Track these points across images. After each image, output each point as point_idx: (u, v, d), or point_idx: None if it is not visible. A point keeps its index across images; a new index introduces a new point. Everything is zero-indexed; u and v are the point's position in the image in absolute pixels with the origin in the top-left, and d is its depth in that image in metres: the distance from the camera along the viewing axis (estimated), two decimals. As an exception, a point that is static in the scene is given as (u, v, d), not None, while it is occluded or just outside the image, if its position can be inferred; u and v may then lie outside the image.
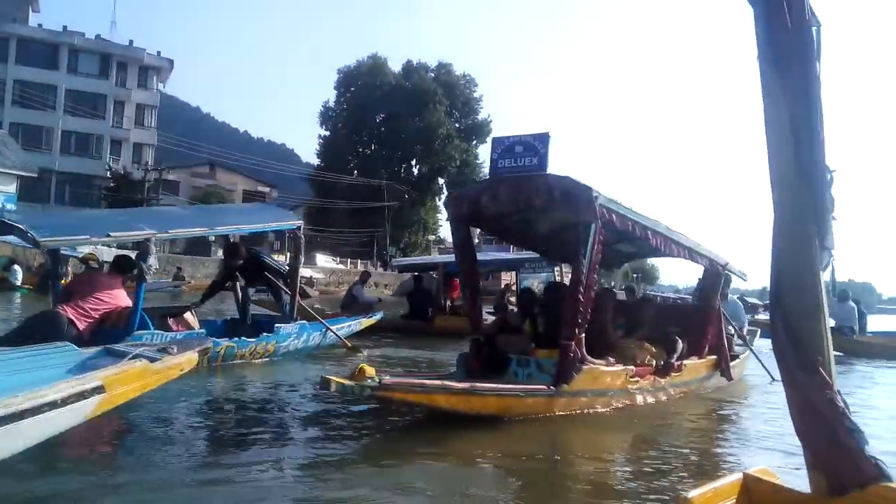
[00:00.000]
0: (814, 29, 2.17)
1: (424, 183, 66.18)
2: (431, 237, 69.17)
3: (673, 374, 7.43)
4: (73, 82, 54.32)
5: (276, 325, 8.68)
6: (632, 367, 6.84)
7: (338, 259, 57.87)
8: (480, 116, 68.02)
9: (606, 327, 7.67)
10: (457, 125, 66.60)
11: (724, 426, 6.95)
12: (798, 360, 2.12)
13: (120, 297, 7.11)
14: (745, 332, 10.29)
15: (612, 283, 22.66)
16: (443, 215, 73.54)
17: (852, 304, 14.92)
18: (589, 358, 6.37)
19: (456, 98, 66.45)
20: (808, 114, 2.13)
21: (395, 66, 66.76)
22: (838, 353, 13.55)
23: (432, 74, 66.48)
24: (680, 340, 7.84)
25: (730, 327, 10.05)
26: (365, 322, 10.79)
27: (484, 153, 68.72)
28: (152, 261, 6.95)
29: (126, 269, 7.30)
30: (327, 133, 66.32)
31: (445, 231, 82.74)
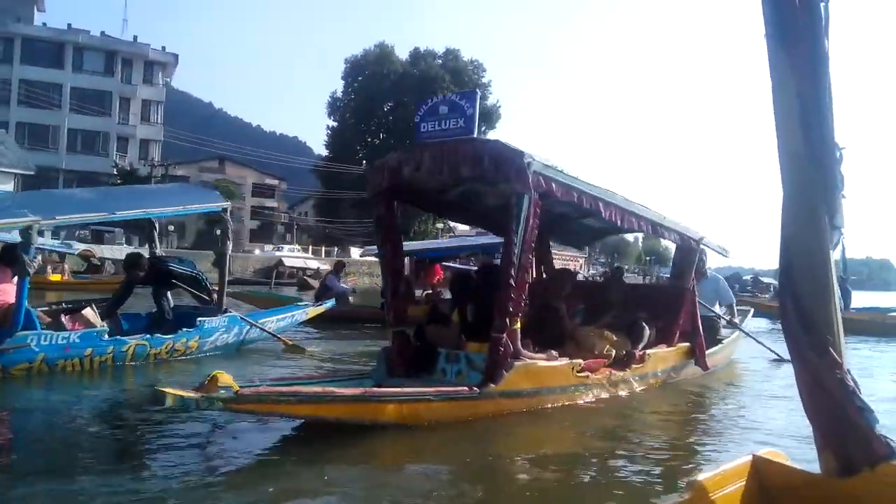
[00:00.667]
0: (822, 4, 2.11)
1: (434, 171, 65.30)
2: (440, 225, 68.36)
3: (634, 365, 6.53)
4: (78, 80, 54.10)
5: (200, 318, 7.86)
6: (579, 360, 5.94)
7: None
8: (489, 102, 66.83)
9: (560, 313, 6.80)
10: (466, 112, 65.59)
11: (682, 423, 6.05)
12: (808, 340, 2.10)
13: (8, 293, 6.37)
14: (733, 312, 9.27)
15: (626, 267, 21.56)
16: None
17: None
18: (525, 352, 5.53)
19: (464, 84, 65.12)
20: (817, 91, 2.10)
21: (403, 54, 65.88)
22: None
23: (440, 61, 65.44)
24: (647, 327, 6.94)
25: (719, 307, 9.12)
26: (312, 311, 9.89)
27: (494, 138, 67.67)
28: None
29: (13, 262, 6.51)
30: (335, 123, 65.56)
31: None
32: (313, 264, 45.11)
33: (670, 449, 5.12)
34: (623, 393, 6.48)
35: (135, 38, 58.50)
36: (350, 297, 15.18)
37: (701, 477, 2.19)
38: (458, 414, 5.10)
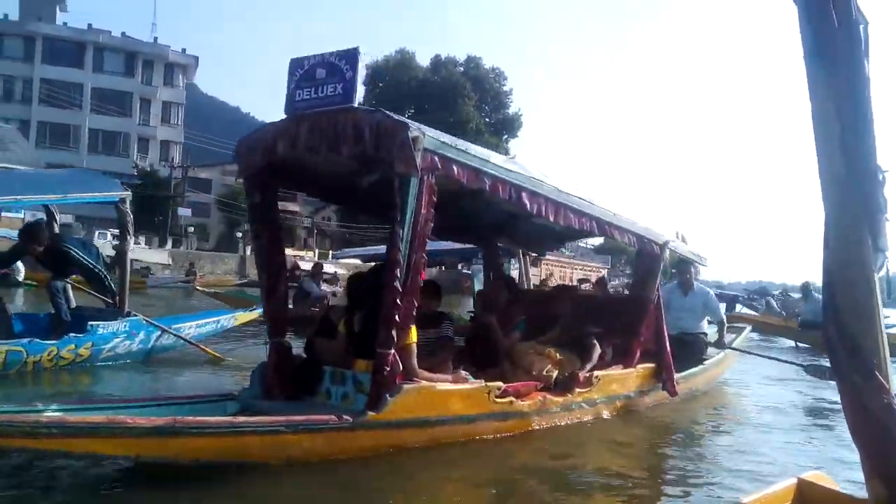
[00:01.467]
0: (861, 27, 2.10)
1: (454, 179, 64.25)
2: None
3: (578, 389, 5.43)
4: (99, 80, 54.07)
5: (93, 322, 6.85)
6: (499, 383, 4.86)
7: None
8: (511, 110, 66.00)
9: (492, 326, 5.74)
10: (486, 119, 64.67)
11: (629, 465, 4.91)
12: (853, 363, 2.08)
13: None
14: (723, 330, 8.04)
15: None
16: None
17: (817, 296, 14.24)
18: (424, 373, 4.47)
19: (485, 92, 64.53)
20: (857, 113, 2.10)
21: (424, 60, 65.20)
22: (806, 346, 13.09)
23: (461, 69, 64.61)
24: (597, 344, 5.84)
25: (707, 325, 7.99)
26: (241, 316, 8.81)
27: (515, 148, 66.74)
28: None
29: None
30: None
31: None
32: (330, 268, 44.42)
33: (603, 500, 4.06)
34: (564, 423, 5.38)
35: (155, 39, 58.54)
36: (329, 302, 14.17)
37: (745, 500, 2.20)
38: (327, 450, 4.03)
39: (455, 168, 4.40)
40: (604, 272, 66.50)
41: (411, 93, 62.66)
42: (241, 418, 3.87)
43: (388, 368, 4.19)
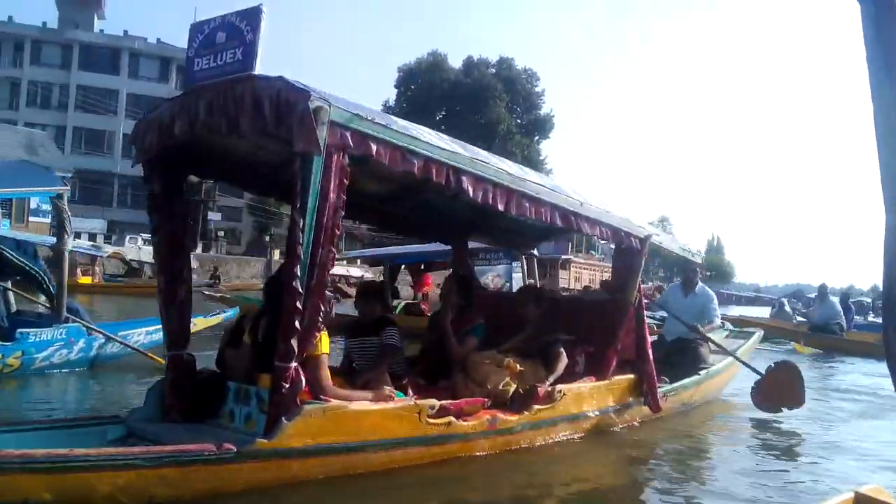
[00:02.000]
0: None
1: (486, 182, 63.35)
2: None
3: (538, 406, 4.69)
4: (133, 86, 54.67)
5: (23, 330, 6.28)
6: (433, 400, 4.15)
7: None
8: (543, 111, 65.11)
9: (445, 332, 5.05)
10: (518, 121, 63.85)
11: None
12: None
13: None
14: (703, 334, 7.08)
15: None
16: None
17: (833, 299, 14.22)
18: (339, 391, 3.82)
19: (517, 93, 63.80)
20: None
21: (456, 62, 64.64)
22: (817, 351, 12.54)
23: (493, 70, 63.90)
24: (563, 353, 5.09)
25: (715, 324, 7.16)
26: (200, 322, 8.13)
27: (547, 149, 65.68)
28: None
29: None
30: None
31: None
32: (356, 272, 43.98)
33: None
34: (518, 446, 4.65)
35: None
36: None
37: None
38: (204, 487, 3.36)
39: (374, 146, 3.72)
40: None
41: (443, 95, 62.24)
42: (86, 451, 3.20)
43: (288, 385, 3.53)
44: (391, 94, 65.87)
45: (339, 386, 3.94)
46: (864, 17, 2.06)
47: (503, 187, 4.37)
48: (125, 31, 56.48)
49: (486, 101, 60.51)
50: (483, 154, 4.49)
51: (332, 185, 3.56)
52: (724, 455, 5.30)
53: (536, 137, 64.75)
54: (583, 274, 67.35)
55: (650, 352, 5.51)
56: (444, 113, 63.97)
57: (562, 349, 5.06)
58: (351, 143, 3.63)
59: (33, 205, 32.35)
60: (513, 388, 4.77)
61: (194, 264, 39.88)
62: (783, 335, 13.70)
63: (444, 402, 4.21)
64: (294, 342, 3.53)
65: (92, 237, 41.02)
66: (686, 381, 6.16)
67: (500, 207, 4.38)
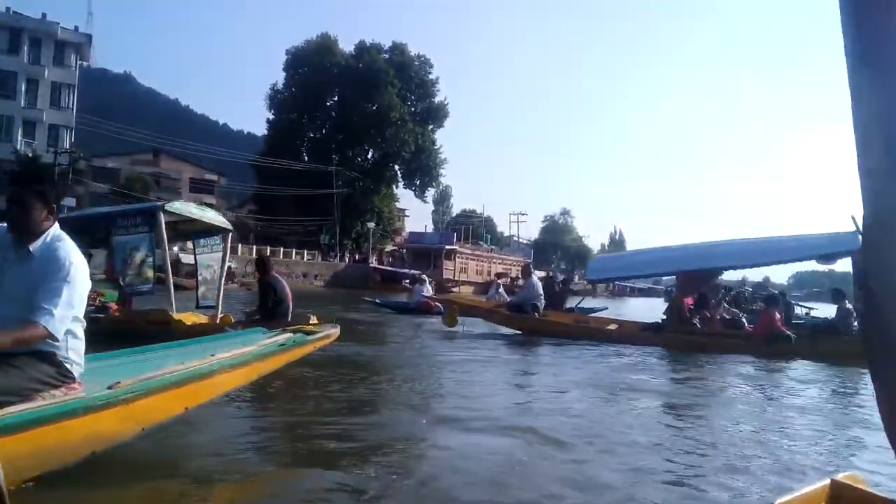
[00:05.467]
0: None
1: (378, 170, 62.64)
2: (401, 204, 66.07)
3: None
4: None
5: None
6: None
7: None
8: (437, 99, 63.72)
9: None
10: (412, 109, 62.45)
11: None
12: (888, 357, 1.92)
13: None
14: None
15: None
16: (399, 203, 70.09)
17: (849, 306, 12.52)
18: None
19: (410, 80, 62.09)
20: None
21: (349, 47, 62.39)
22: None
23: (386, 56, 61.79)
24: None
25: None
26: None
27: (441, 138, 64.78)
28: None
29: None
30: (274, 116, 63.01)
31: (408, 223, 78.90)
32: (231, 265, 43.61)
33: None
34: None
35: (43, 15, 52.65)
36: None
37: (776, 501, 2.08)
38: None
39: None
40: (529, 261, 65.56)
41: (333, 79, 60.44)
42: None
43: None
44: (280, 78, 63.52)
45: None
46: (843, 9, 2.02)
47: None
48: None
49: (378, 88, 58.91)
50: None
51: None
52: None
53: (431, 126, 63.52)
54: (469, 265, 67.87)
55: None
56: (335, 99, 62.24)
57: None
58: None
59: None
60: None
61: None
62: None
63: None
64: None
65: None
66: None
67: None
